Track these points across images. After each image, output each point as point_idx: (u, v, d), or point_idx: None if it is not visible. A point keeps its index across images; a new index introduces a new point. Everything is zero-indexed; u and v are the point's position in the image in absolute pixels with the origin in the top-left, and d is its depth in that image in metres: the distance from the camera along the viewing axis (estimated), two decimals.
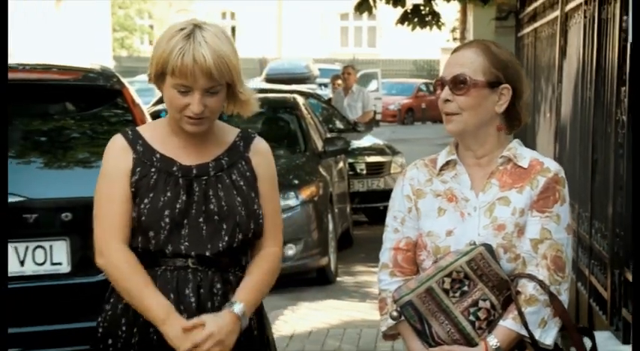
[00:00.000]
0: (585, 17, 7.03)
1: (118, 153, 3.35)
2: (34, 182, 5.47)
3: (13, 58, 5.87)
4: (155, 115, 7.36)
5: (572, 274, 7.12)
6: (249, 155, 3.41)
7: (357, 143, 13.96)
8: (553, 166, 3.23)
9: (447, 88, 3.20)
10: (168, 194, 3.28)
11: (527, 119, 3.34)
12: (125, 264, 3.26)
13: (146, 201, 3.28)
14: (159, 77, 3.26)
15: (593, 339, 3.24)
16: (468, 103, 3.17)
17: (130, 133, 3.39)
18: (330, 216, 10.71)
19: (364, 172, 13.57)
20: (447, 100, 3.20)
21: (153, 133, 3.41)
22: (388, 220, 3.35)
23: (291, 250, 9.85)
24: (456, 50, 3.34)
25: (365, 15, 16.61)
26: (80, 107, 5.94)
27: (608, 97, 6.10)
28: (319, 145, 11.42)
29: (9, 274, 5.09)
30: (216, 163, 3.36)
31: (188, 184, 3.31)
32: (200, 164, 3.35)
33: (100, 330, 3.35)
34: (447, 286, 3.07)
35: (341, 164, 12.06)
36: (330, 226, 10.67)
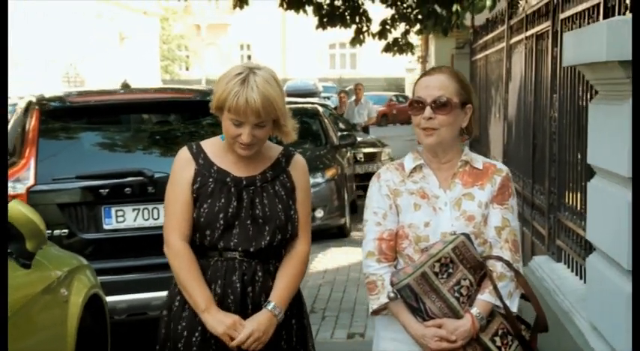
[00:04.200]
0: (526, 48, 7.47)
1: (183, 164, 3.14)
2: (160, 164, 5.69)
3: (86, 84, 6.25)
4: None
5: (519, 222, 7.82)
6: (289, 169, 3.20)
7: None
8: (504, 168, 3.11)
9: (428, 108, 2.97)
10: (223, 200, 3.07)
11: (477, 131, 3.21)
12: (182, 256, 3.05)
13: (205, 205, 3.07)
14: (218, 110, 3.05)
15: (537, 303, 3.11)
16: (448, 121, 2.98)
17: (194, 147, 3.17)
18: (345, 189, 10.94)
19: (362, 159, 13.64)
20: (429, 118, 2.97)
21: (212, 148, 3.17)
22: (368, 215, 3.09)
23: (319, 214, 10.22)
24: (427, 74, 3.10)
25: (348, 44, 16.79)
26: (197, 115, 6.20)
27: (544, 101, 6.53)
28: (335, 140, 11.66)
29: (142, 226, 5.67)
30: (262, 176, 3.14)
31: (239, 193, 3.09)
32: (249, 176, 3.13)
33: (168, 294, 3.21)
34: (436, 269, 2.91)
35: (349, 154, 12.23)
36: (345, 197, 10.91)
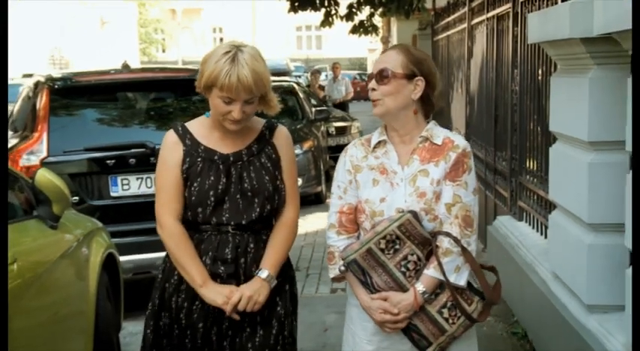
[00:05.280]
0: (487, 28, 7.60)
1: (171, 146, 2.99)
2: (160, 136, 5.95)
3: (70, 66, 6.33)
4: None
5: (482, 186, 7.72)
6: (273, 141, 3.06)
7: None
8: (462, 143, 2.89)
9: (373, 80, 2.88)
10: (212, 178, 2.94)
11: (440, 105, 3.02)
12: (175, 235, 2.93)
13: (195, 184, 2.93)
14: (207, 89, 2.90)
15: (497, 273, 3.01)
16: (389, 91, 2.85)
17: (179, 128, 3.02)
18: (320, 160, 10.97)
19: (334, 132, 13.66)
20: (373, 89, 2.88)
21: (198, 128, 3.03)
22: (333, 188, 3.01)
23: (299, 182, 10.49)
24: (383, 52, 3.04)
25: (314, 26, 16.96)
26: (190, 93, 6.37)
27: (505, 76, 6.68)
28: (311, 114, 11.68)
29: (146, 193, 5.80)
30: (248, 150, 3.01)
31: (227, 169, 2.96)
32: (235, 152, 2.99)
33: (160, 275, 3.08)
34: (382, 246, 2.80)
35: (323, 127, 12.29)
36: (321, 167, 10.95)
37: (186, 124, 3.04)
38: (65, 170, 5.70)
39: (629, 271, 3.23)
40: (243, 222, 2.95)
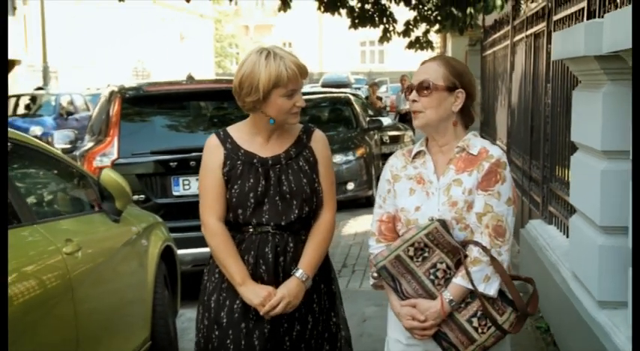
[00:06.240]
0: (526, 45, 7.60)
1: (212, 150, 2.92)
2: None
3: (151, 78, 6.54)
4: None
5: (519, 192, 7.70)
6: (310, 144, 3.00)
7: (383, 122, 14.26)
8: (496, 153, 2.71)
9: (414, 91, 2.72)
10: (252, 180, 2.88)
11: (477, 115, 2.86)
12: (218, 235, 2.87)
13: (235, 187, 2.88)
14: (266, 95, 2.81)
15: (533, 284, 2.82)
16: (430, 103, 2.70)
17: (221, 133, 2.96)
18: (372, 166, 10.92)
19: (388, 141, 13.38)
20: (414, 101, 2.73)
21: (238, 133, 2.95)
22: (376, 197, 2.88)
23: (350, 186, 10.35)
24: (423, 63, 2.82)
25: (377, 41, 16.88)
26: None
27: (540, 90, 6.67)
28: (364, 124, 11.70)
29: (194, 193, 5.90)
30: (286, 154, 2.94)
31: (266, 172, 2.90)
32: (274, 156, 2.92)
33: (205, 277, 3.01)
34: (411, 253, 2.68)
35: (376, 136, 12.16)
36: (373, 172, 10.85)
37: (227, 128, 2.99)
38: (133, 171, 5.96)
39: (630, 270, 3.29)
40: (283, 223, 2.90)
